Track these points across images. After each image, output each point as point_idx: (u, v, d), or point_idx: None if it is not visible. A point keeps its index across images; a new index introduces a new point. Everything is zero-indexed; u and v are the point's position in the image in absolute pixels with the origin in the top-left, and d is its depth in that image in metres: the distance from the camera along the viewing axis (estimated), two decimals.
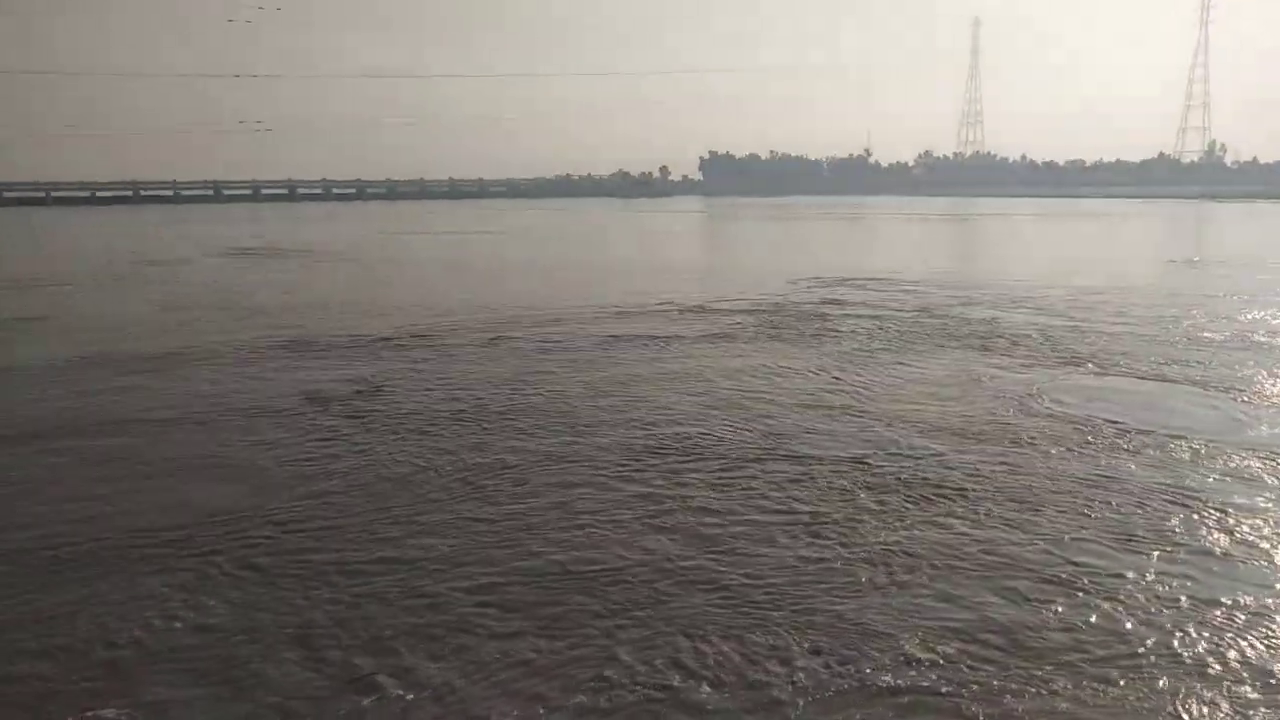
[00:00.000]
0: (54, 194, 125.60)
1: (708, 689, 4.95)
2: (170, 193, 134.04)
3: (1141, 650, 5.37)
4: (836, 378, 12.93)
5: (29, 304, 22.42)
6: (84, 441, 9.90)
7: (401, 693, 4.93)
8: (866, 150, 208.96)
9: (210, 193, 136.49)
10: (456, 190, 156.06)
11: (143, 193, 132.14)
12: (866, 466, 8.70)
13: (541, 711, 4.75)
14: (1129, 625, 5.67)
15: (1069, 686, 4.98)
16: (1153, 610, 5.86)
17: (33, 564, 6.66)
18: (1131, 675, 5.11)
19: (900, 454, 9.09)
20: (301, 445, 9.64)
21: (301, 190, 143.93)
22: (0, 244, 50.42)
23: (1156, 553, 6.74)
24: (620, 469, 8.66)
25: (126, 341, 16.55)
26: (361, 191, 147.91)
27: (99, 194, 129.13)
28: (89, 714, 4.74)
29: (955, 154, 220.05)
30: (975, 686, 4.97)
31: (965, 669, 5.14)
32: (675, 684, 4.99)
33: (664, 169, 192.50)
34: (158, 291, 25.29)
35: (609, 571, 6.42)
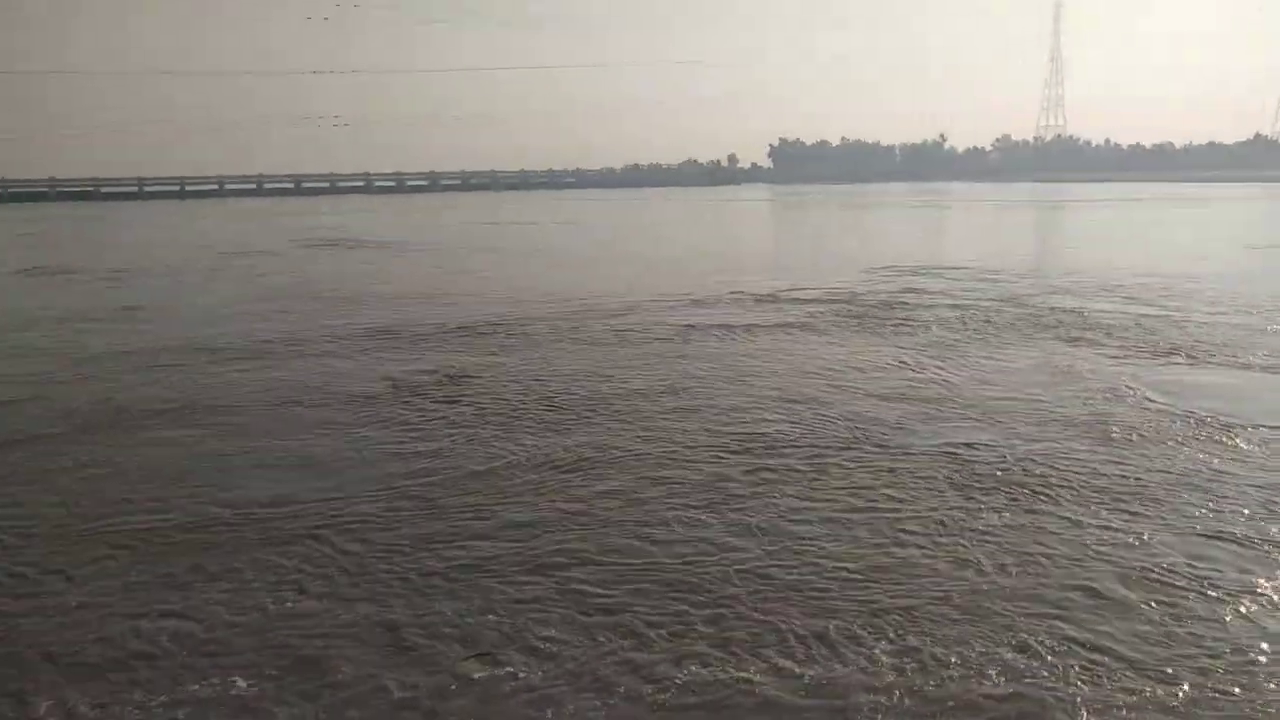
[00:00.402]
0: (146, 188, 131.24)
1: (791, 688, 4.95)
2: (254, 186, 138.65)
3: (1250, 657, 5.19)
4: (922, 369, 12.72)
5: (130, 294, 23.50)
6: (194, 426, 10.38)
7: (491, 681, 5.08)
8: (941, 136, 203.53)
9: (291, 186, 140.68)
10: (526, 181, 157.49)
11: (228, 187, 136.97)
12: (960, 461, 8.55)
13: (625, 707, 4.81)
14: (1236, 628, 5.48)
15: (1175, 695, 4.85)
16: (1258, 614, 5.65)
17: (155, 542, 7.04)
18: (1242, 682, 4.94)
19: (993, 448, 8.91)
20: (391, 433, 9.94)
21: (378, 183, 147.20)
22: (98, 236, 52.79)
23: (1264, 554, 6.49)
24: (705, 462, 8.69)
25: (224, 330, 17.24)
26: (435, 183, 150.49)
27: (188, 188, 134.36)
28: (219, 682, 5.00)
29: (1035, 138, 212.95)
30: (1068, 691, 4.87)
31: (1060, 673, 5.05)
32: (757, 680, 5.00)
33: (732, 157, 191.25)
34: (248, 282, 26.21)
35: (693, 565, 6.46)
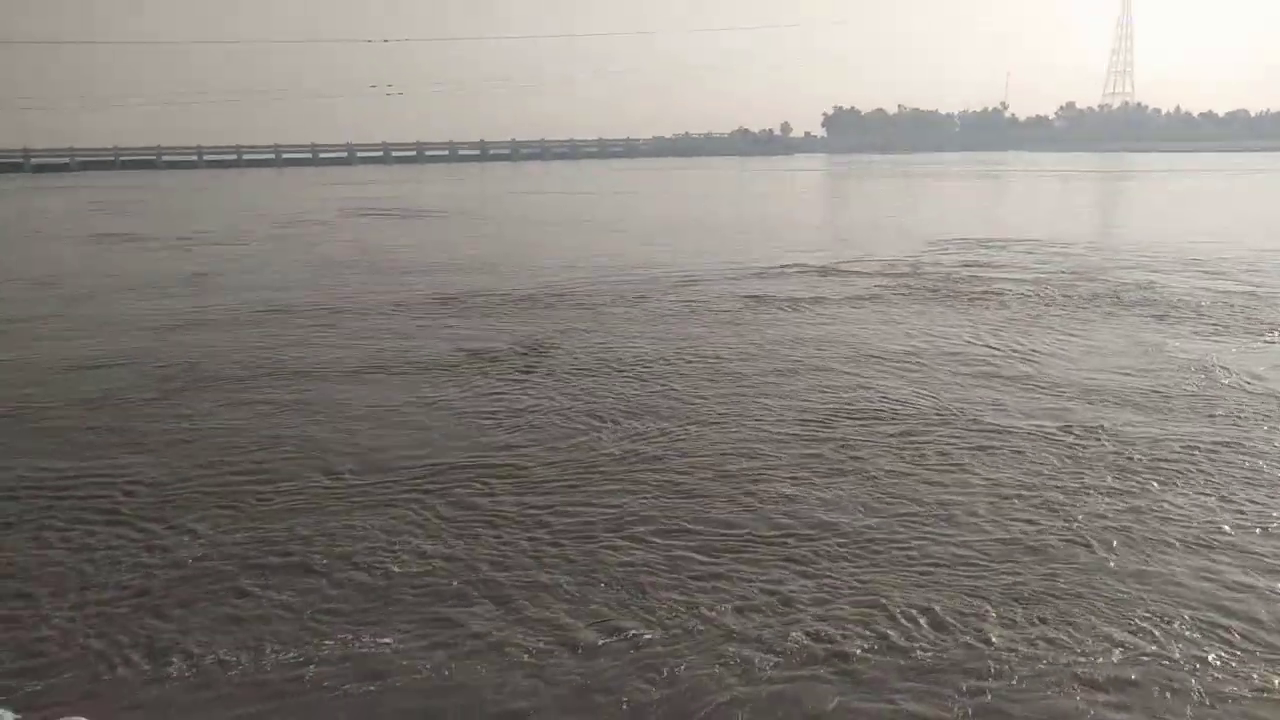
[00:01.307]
0: (206, 157, 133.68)
1: (896, 666, 4.85)
2: (309, 155, 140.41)
3: None
4: (1005, 345, 12.39)
5: (198, 262, 24.00)
6: (280, 390, 10.61)
7: (605, 647, 5.07)
8: (1003, 103, 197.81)
9: (345, 155, 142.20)
10: (577, 151, 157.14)
11: (284, 155, 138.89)
12: (1057, 441, 8.32)
13: (734, 674, 4.77)
14: None
15: None
16: None
17: (257, 502, 7.18)
18: None
19: (1091, 429, 8.63)
20: (475, 400, 10.00)
21: (429, 152, 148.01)
22: (162, 204, 53.94)
23: None
24: (793, 436, 8.58)
25: (294, 297, 17.51)
26: (485, 152, 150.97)
27: (244, 157, 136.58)
28: (350, 638, 5.07)
29: (1101, 106, 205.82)
30: (1180, 673, 4.70)
31: (1172, 658, 4.87)
32: (859, 656, 4.92)
33: (785, 126, 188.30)
34: (307, 250, 26.55)
35: (793, 538, 6.38)
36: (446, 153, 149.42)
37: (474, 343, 13.02)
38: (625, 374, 11.01)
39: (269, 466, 7.96)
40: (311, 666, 4.90)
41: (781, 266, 20.74)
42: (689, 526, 6.58)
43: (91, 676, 4.87)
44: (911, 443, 8.26)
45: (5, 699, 4.59)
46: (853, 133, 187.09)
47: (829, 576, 5.78)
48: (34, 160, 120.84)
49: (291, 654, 5.02)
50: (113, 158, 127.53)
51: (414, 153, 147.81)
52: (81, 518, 6.92)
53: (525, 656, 4.98)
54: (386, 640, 5.11)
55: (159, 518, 6.90)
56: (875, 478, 7.43)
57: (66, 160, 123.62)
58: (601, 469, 7.77)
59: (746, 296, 16.72)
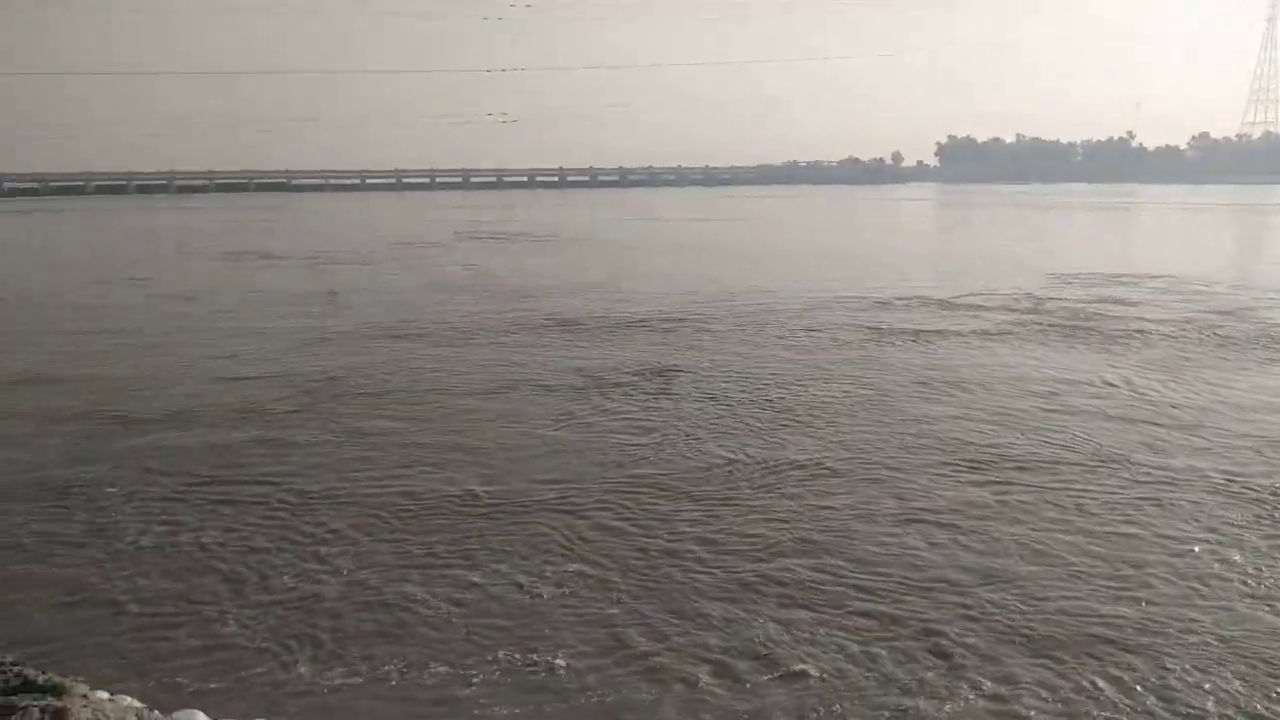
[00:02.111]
0: (331, 181, 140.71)
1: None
2: (427, 180, 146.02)
3: None
4: (1151, 386, 11.68)
5: (328, 280, 25.14)
6: (416, 405, 10.97)
7: (744, 671, 4.93)
8: (1129, 133, 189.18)
9: (459, 180, 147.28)
10: (683, 178, 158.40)
11: (404, 180, 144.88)
12: (1230, 494, 7.71)
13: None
14: None
15: None
16: None
17: (400, 516, 7.38)
18: None
19: (1267, 484, 7.96)
20: (603, 422, 10.07)
21: (539, 178, 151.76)
22: (295, 226, 56.71)
23: None
24: (938, 478, 8.19)
25: (419, 316, 18.08)
26: (593, 179, 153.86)
27: (368, 181, 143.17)
28: (518, 657, 5.12)
29: (1239, 136, 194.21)
30: None
31: None
32: (1031, 716, 4.61)
33: (896, 155, 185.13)
34: (426, 271, 27.35)
35: (944, 584, 6.09)
36: (556, 179, 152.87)
37: (598, 366, 13.13)
38: (754, 403, 10.87)
39: (409, 479, 8.19)
40: (476, 682, 4.94)
41: (899, 297, 20.22)
42: (835, 565, 6.39)
43: (254, 678, 5.04)
44: (1071, 491, 7.80)
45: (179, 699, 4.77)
46: (967, 162, 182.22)
47: (993, 630, 5.47)
48: (178, 182, 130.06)
49: (453, 668, 5.08)
50: (246, 180, 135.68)
51: (525, 179, 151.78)
52: (243, 522, 7.26)
53: (681, 686, 4.91)
54: (560, 662, 5.11)
55: (312, 525, 7.17)
56: (1035, 527, 7.04)
57: (205, 183, 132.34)
58: (741, 499, 7.65)
59: (868, 328, 16.34)
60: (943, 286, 22.20)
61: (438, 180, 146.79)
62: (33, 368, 13.43)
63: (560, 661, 5.10)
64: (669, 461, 8.66)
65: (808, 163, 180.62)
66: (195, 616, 5.75)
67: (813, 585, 6.06)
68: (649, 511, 7.37)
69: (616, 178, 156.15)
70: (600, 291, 21.94)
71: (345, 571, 6.34)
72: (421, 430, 9.85)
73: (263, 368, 13.24)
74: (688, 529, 7.00)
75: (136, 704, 3.28)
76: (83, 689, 3.11)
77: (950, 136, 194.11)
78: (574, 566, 6.34)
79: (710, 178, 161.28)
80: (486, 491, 7.86)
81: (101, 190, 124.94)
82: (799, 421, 10.03)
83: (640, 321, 17.30)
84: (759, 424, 9.94)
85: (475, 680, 4.95)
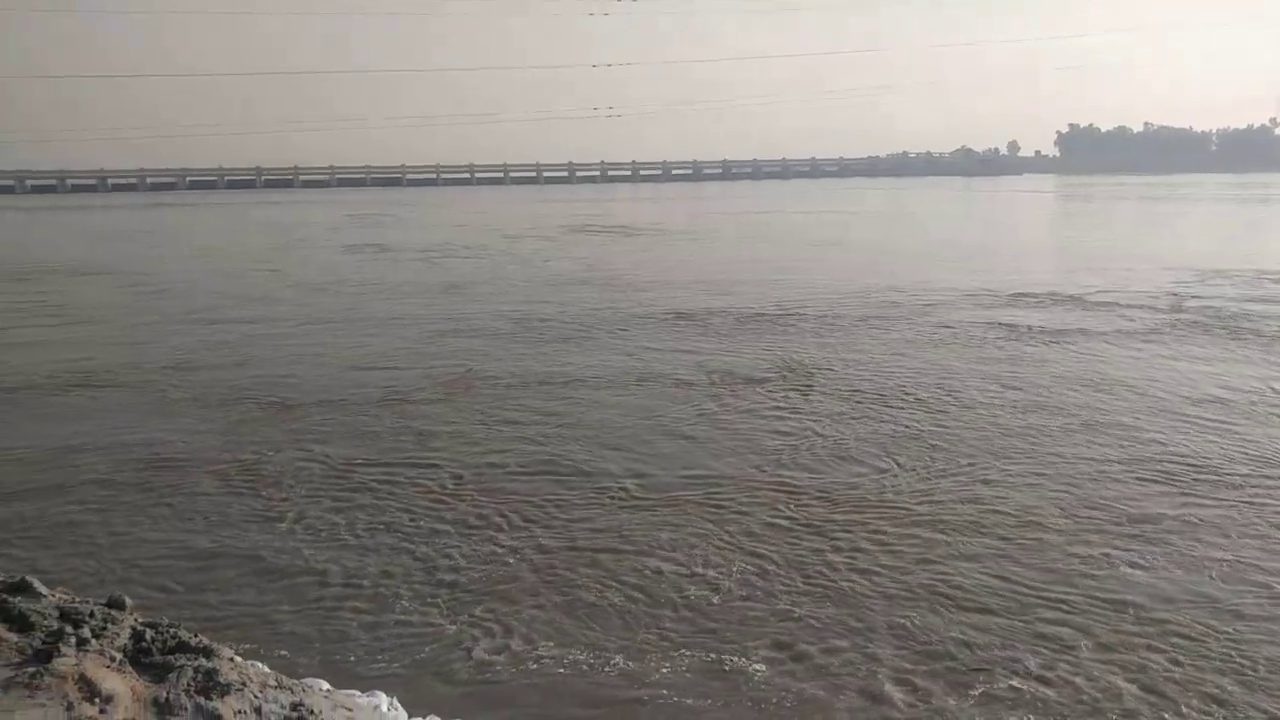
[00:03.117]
0: (443, 175, 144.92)
1: None
2: (533, 174, 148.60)
3: None
4: None
5: (446, 273, 25.90)
6: (550, 395, 11.09)
7: (932, 691, 4.73)
8: (1273, 120, 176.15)
9: (565, 174, 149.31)
10: (788, 170, 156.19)
11: (511, 174, 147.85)
12: None
13: None
14: None
15: None
16: None
17: (558, 506, 7.47)
18: None
19: None
20: (740, 419, 9.95)
21: (644, 171, 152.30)
22: (409, 219, 58.36)
23: None
24: (1112, 495, 7.59)
25: (540, 308, 18.35)
26: (698, 171, 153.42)
27: (477, 174, 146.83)
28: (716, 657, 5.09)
29: None
30: None
31: None
32: None
33: (1013, 145, 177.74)
34: (539, 265, 27.56)
35: (1130, 618, 5.68)
36: (660, 172, 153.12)
37: (725, 360, 13.02)
38: (893, 405, 10.51)
39: (559, 471, 8.28)
40: (662, 673, 4.94)
41: (1029, 294, 19.31)
42: (1016, 573, 6.09)
43: (427, 660, 5.17)
44: (1272, 507, 7.19)
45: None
46: (1089, 152, 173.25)
47: (1206, 658, 5.08)
48: (302, 177, 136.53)
49: (636, 660, 5.08)
50: (364, 175, 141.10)
51: (629, 172, 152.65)
52: (407, 504, 7.52)
53: (859, 693, 4.81)
54: (741, 660, 5.04)
55: (471, 510, 7.34)
56: (1236, 546, 6.52)
57: (327, 178, 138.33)
58: (901, 504, 7.40)
59: (1000, 325, 15.66)
60: (1074, 282, 21.10)
61: (544, 174, 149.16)
62: (181, 354, 14.20)
63: (741, 660, 5.04)
64: (817, 463, 8.46)
65: (917, 154, 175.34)
66: (367, 595, 5.94)
67: (995, 592, 5.80)
68: (806, 513, 7.22)
69: (720, 170, 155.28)
70: (713, 284, 21.77)
71: (510, 559, 6.44)
72: (561, 423, 9.95)
73: (397, 358, 13.68)
74: (846, 533, 6.82)
75: (264, 669, 3.37)
76: (229, 653, 3.22)
77: (1071, 125, 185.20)
78: (741, 564, 6.26)
79: (816, 170, 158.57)
80: (637, 485, 7.87)
81: (233, 185, 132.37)
82: (951, 424, 9.64)
83: (758, 315, 17.07)
84: (908, 426, 9.59)
85: (662, 671, 4.95)
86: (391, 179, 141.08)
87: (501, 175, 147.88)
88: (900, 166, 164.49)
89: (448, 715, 4.04)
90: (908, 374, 12.04)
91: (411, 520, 7.18)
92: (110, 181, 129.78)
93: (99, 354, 14.33)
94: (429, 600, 5.84)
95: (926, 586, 5.93)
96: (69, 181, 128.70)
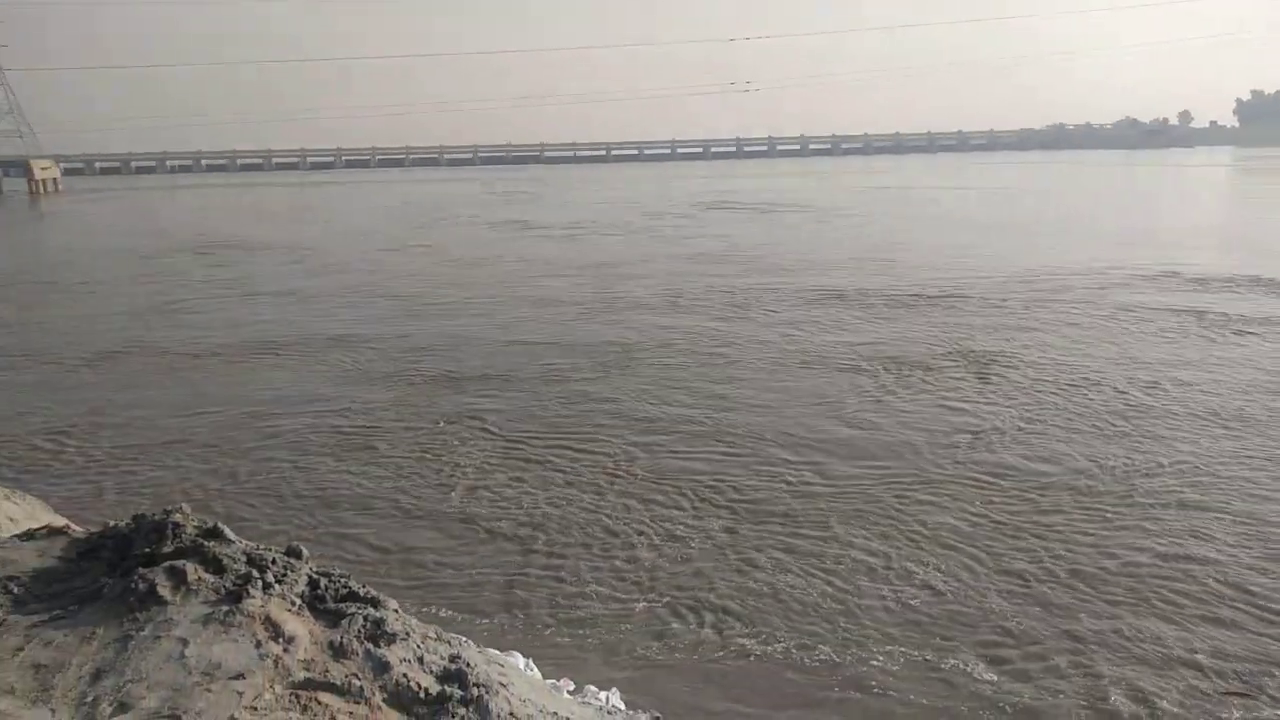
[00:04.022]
0: (580, 153, 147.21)
1: None
2: (668, 150, 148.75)
3: None
4: None
5: (594, 250, 26.15)
6: (714, 376, 10.95)
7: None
8: None
9: (700, 150, 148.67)
10: (933, 144, 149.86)
11: (646, 151, 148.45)
12: None
13: None
14: None
15: None
16: None
17: (746, 483, 7.34)
18: None
19: None
20: (915, 409, 9.48)
21: (781, 147, 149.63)
22: (549, 196, 59.26)
23: None
24: None
25: (690, 287, 18.17)
26: (836, 147, 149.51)
27: (613, 152, 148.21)
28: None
29: None
30: None
31: None
32: None
33: (1184, 115, 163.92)
34: (682, 243, 27.18)
35: None
36: (798, 147, 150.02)
37: (889, 344, 12.51)
38: (1082, 397, 9.74)
39: (738, 459, 8.10)
40: (874, 665, 4.78)
41: (1215, 277, 17.62)
42: (1257, 600, 5.51)
43: (620, 641, 5.15)
44: None
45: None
46: (1275, 122, 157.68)
47: None
48: (448, 156, 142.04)
49: (842, 650, 4.93)
50: (505, 153, 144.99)
51: (765, 147, 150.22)
52: (587, 481, 7.57)
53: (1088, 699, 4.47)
54: (973, 669, 4.79)
55: (649, 489, 7.31)
56: None
57: (470, 156, 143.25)
58: (1101, 508, 6.83)
59: (1189, 311, 14.37)
60: (1268, 265, 19.14)
61: (679, 150, 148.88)
62: (348, 327, 14.85)
63: (955, 661, 4.81)
64: (1006, 457, 7.96)
65: (1075, 125, 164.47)
66: (551, 566, 5.99)
67: (1229, 603, 5.30)
68: (999, 510, 6.79)
69: (861, 145, 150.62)
70: (864, 263, 21.04)
71: (695, 540, 6.34)
72: (727, 405, 9.78)
73: (554, 334, 13.83)
74: (1048, 534, 6.36)
75: (421, 624, 3.44)
76: (393, 604, 3.32)
77: (1254, 92, 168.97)
78: (939, 560, 5.96)
79: (963, 143, 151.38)
80: (814, 471, 7.65)
81: (384, 164, 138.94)
82: (1151, 421, 8.87)
83: (916, 295, 16.34)
84: (1103, 421, 8.88)
85: (872, 664, 4.79)
86: (530, 156, 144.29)
87: (636, 152, 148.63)
88: (1056, 139, 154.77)
89: (639, 695, 3.98)
90: (1095, 364, 11.19)
91: (592, 496, 7.20)
92: (275, 161, 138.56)
93: (274, 325, 15.20)
94: (616, 575, 5.83)
95: (1137, 592, 5.45)
96: (239, 161, 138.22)
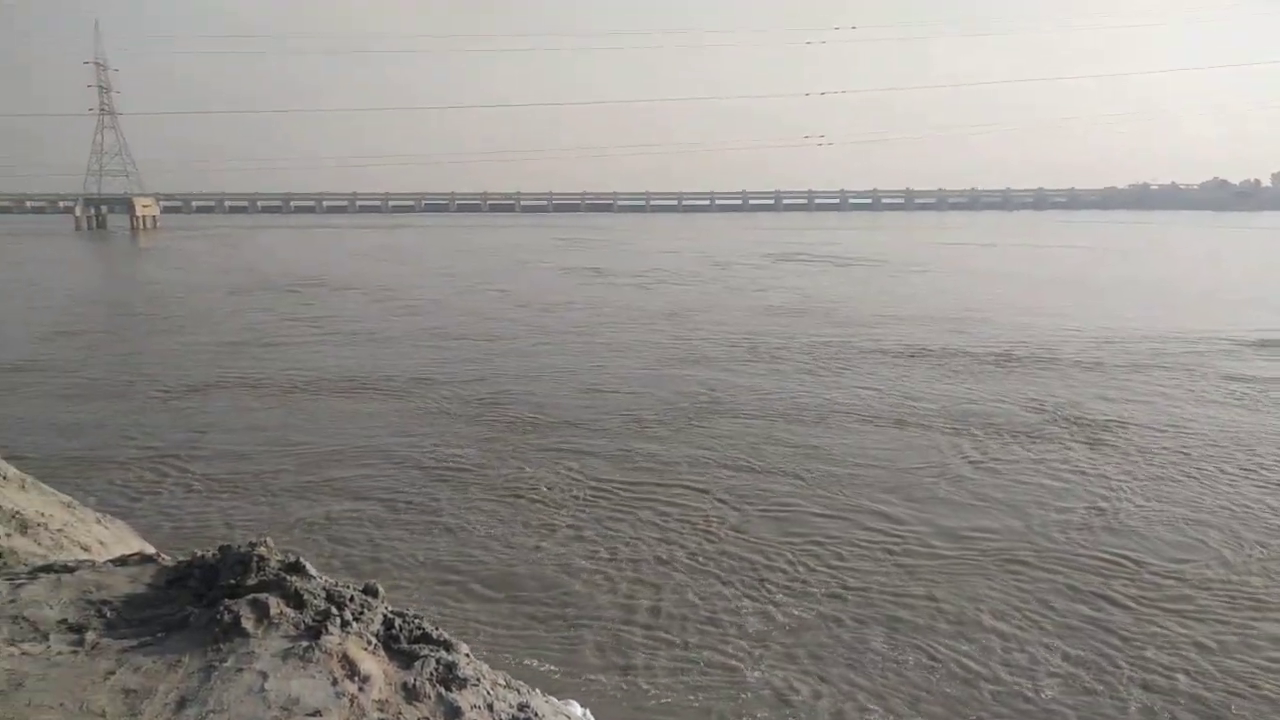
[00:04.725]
0: (652, 202, 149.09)
1: None
2: (739, 201, 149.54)
3: None
4: None
5: (664, 298, 25.96)
6: (807, 428, 10.61)
7: None
8: None
9: (771, 201, 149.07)
10: (1010, 201, 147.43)
11: (718, 202, 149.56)
12: None
13: None
14: None
15: None
16: None
17: (862, 548, 7.06)
18: None
19: None
20: (1022, 474, 9.05)
21: (853, 200, 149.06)
22: (617, 243, 59.65)
23: None
24: None
25: (764, 340, 17.87)
26: (910, 201, 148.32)
27: (685, 201, 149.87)
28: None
29: None
30: None
31: None
32: None
33: (1277, 177, 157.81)
34: (756, 295, 26.87)
35: None
36: (870, 201, 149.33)
37: (983, 404, 12.05)
38: (1204, 472, 9.17)
39: (832, 509, 7.86)
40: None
41: None
42: None
43: (725, 710, 4.89)
44: None
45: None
46: None
47: None
48: (523, 202, 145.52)
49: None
50: (579, 201, 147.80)
51: (837, 200, 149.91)
52: (679, 536, 7.36)
53: None
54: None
55: (744, 548, 7.07)
56: None
57: (545, 203, 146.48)
58: (1241, 594, 6.35)
59: None
60: None
61: (750, 202, 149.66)
62: (429, 367, 15.01)
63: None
64: (1125, 532, 7.49)
65: (1160, 185, 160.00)
66: (648, 622, 5.77)
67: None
68: (1124, 591, 6.33)
69: (934, 200, 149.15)
70: (945, 320, 20.49)
71: (803, 605, 6.06)
72: (821, 463, 9.46)
73: (632, 381, 13.72)
74: (1183, 622, 5.88)
75: (491, 670, 3.34)
76: (465, 648, 3.25)
77: None
78: (1062, 647, 5.54)
79: (1042, 201, 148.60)
80: (924, 546, 7.22)
81: (462, 209, 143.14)
82: None
83: (1004, 355, 15.75)
84: (1231, 501, 8.28)
85: None
86: (603, 205, 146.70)
87: (708, 202, 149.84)
88: (1140, 199, 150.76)
89: None
90: (1212, 436, 10.55)
91: (688, 554, 6.97)
92: (359, 203, 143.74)
93: (357, 362, 15.45)
94: (720, 639, 5.57)
95: None
96: (325, 203, 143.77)
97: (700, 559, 6.86)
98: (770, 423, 11.11)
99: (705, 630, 5.72)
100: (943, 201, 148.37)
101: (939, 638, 5.60)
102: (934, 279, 32.55)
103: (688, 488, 8.50)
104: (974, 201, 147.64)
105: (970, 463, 9.37)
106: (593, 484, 8.67)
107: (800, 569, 6.68)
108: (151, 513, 7.97)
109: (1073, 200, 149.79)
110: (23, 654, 3.00)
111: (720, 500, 8.18)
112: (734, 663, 5.30)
